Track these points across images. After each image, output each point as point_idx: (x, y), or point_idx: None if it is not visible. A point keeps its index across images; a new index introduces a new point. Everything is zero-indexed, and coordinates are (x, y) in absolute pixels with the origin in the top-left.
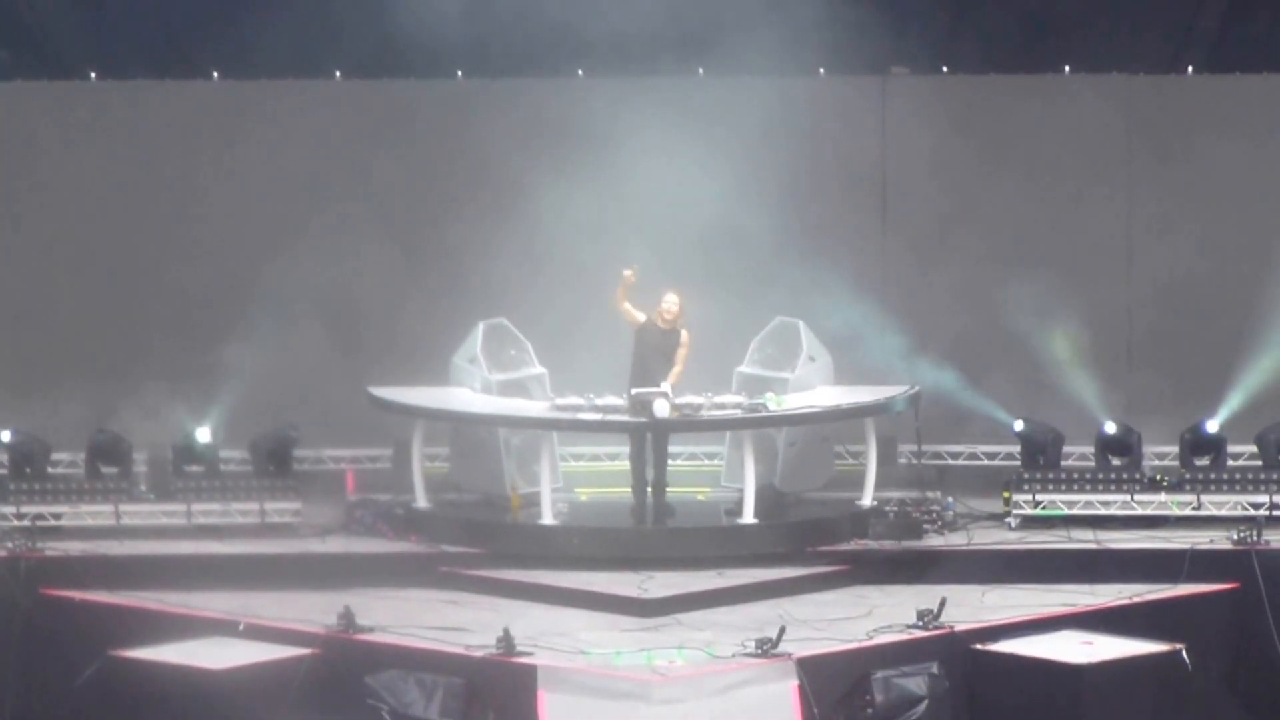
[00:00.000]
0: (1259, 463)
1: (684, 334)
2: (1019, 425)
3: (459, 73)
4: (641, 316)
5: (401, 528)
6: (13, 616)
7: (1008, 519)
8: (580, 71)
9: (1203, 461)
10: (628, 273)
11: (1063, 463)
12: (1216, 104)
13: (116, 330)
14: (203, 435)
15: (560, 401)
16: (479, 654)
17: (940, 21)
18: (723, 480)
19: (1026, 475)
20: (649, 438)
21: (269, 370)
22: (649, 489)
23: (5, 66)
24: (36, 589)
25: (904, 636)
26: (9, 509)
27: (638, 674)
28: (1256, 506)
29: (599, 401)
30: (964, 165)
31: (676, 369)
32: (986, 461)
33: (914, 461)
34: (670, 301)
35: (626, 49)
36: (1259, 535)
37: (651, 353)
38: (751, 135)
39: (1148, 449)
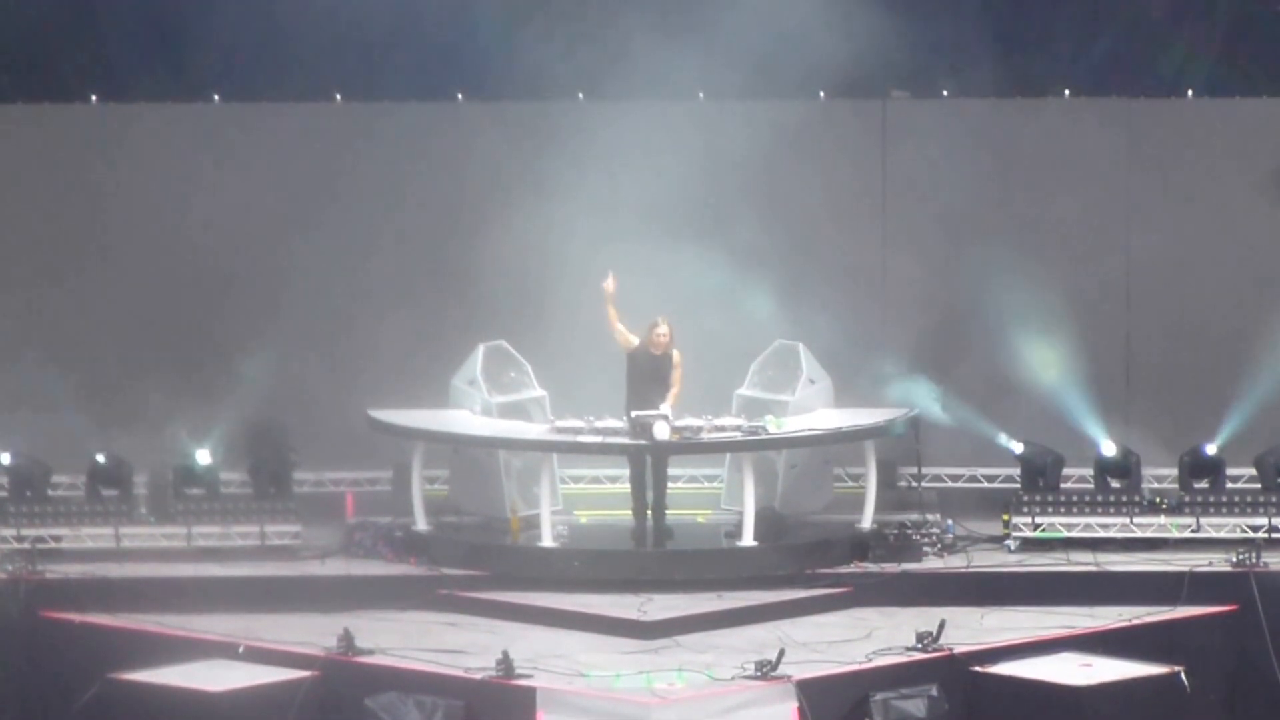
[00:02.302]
0: (1258, 485)
1: (675, 355)
2: (1018, 448)
3: (459, 95)
4: (635, 340)
5: (401, 550)
6: (12, 639)
7: (1007, 541)
8: (581, 95)
9: (1201, 484)
10: (607, 284)
11: (1062, 485)
12: (1216, 128)
13: (116, 352)
14: (203, 458)
15: (560, 424)
16: (478, 676)
17: (940, 45)
18: (722, 503)
19: (1026, 498)
20: (649, 460)
21: (269, 393)
22: (649, 511)
23: (6, 89)
24: (36, 611)
25: (903, 659)
26: (9, 531)
27: (637, 696)
28: (1255, 529)
29: (599, 424)
30: (964, 189)
31: (674, 389)
32: (986, 484)
33: (914, 484)
34: (662, 332)
35: (627, 73)
36: (1258, 557)
37: (645, 378)
38: (751, 159)
39: (1147, 471)
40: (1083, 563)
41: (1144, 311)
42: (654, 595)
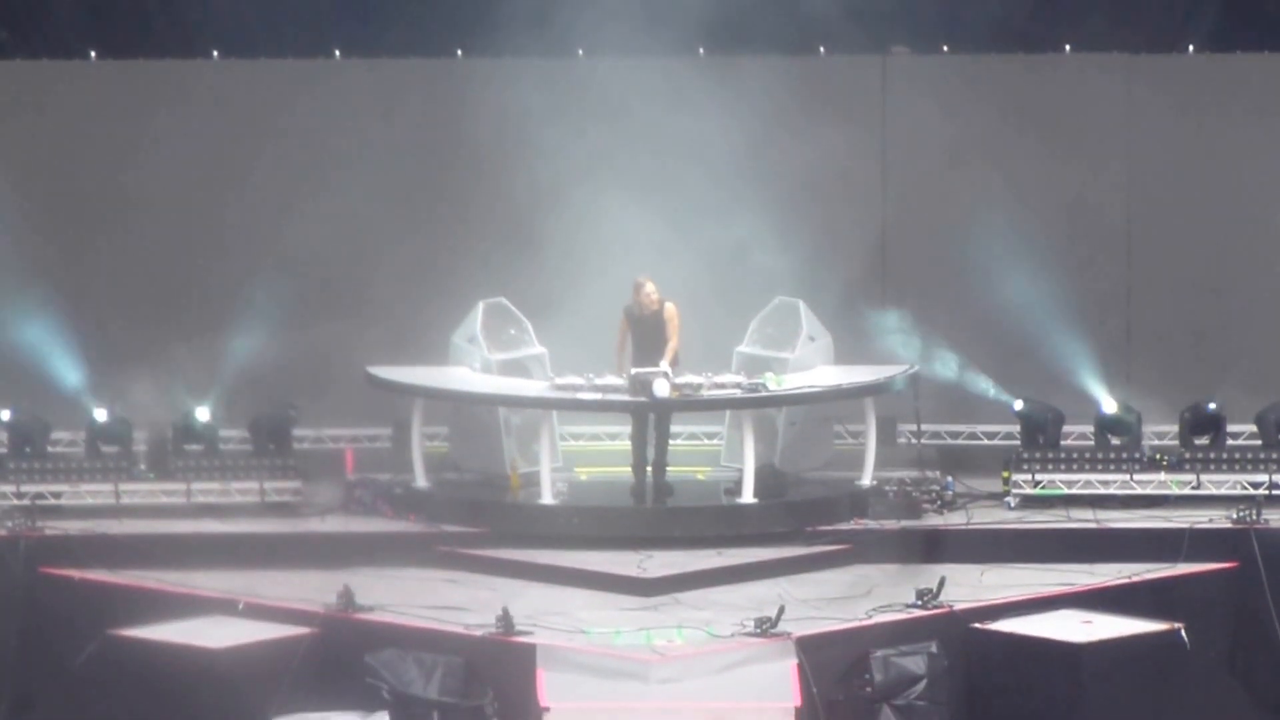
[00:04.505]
0: (1258, 442)
1: (669, 308)
2: (1019, 405)
3: (459, 51)
4: (621, 325)
5: (401, 507)
6: (12, 595)
7: (1007, 499)
8: (580, 51)
9: (1202, 441)
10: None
11: (1062, 442)
12: (1218, 83)
13: (117, 309)
14: (202, 414)
15: (560, 381)
16: (478, 633)
17: (941, 1)
18: (722, 460)
19: (1026, 455)
20: (650, 417)
21: (269, 349)
22: (649, 468)
23: (5, 46)
24: (36, 568)
25: (903, 616)
26: (9, 488)
27: (637, 653)
28: (1256, 486)
29: (598, 381)
30: (964, 145)
31: (671, 343)
32: (986, 441)
33: (914, 441)
34: (648, 291)
35: (627, 28)
36: (1258, 514)
37: (640, 337)
38: (751, 115)
39: (1147, 428)
40: (1083, 520)
41: (1145, 268)
42: (654, 552)
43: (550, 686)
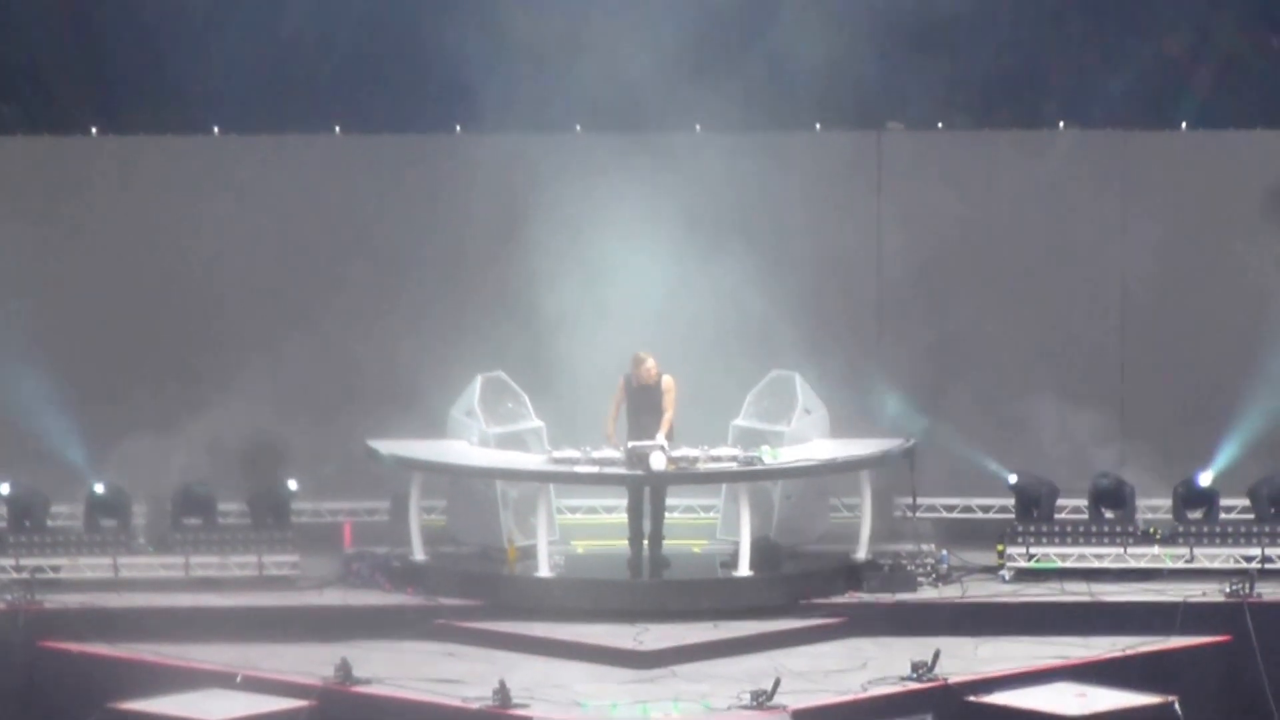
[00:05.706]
0: (1251, 516)
1: (666, 380)
2: (1013, 478)
3: (458, 127)
4: (619, 381)
5: (399, 580)
6: (11, 669)
7: (1002, 571)
8: (578, 127)
9: (1195, 514)
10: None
11: (1056, 515)
12: (1210, 160)
13: (117, 384)
14: (200, 488)
15: (557, 454)
16: (475, 706)
17: (936, 77)
18: (719, 533)
19: (1020, 528)
20: (646, 490)
21: (267, 423)
22: (645, 541)
23: (6, 121)
24: (35, 641)
25: (899, 688)
26: (8, 561)
27: None
28: (1249, 559)
29: (595, 454)
30: (959, 221)
31: (667, 414)
32: (981, 514)
33: (909, 514)
34: (649, 367)
35: (624, 104)
36: (1251, 588)
37: (638, 409)
38: (747, 190)
39: (1141, 502)
40: (1077, 593)
41: (1138, 343)
42: (650, 625)
43: None
